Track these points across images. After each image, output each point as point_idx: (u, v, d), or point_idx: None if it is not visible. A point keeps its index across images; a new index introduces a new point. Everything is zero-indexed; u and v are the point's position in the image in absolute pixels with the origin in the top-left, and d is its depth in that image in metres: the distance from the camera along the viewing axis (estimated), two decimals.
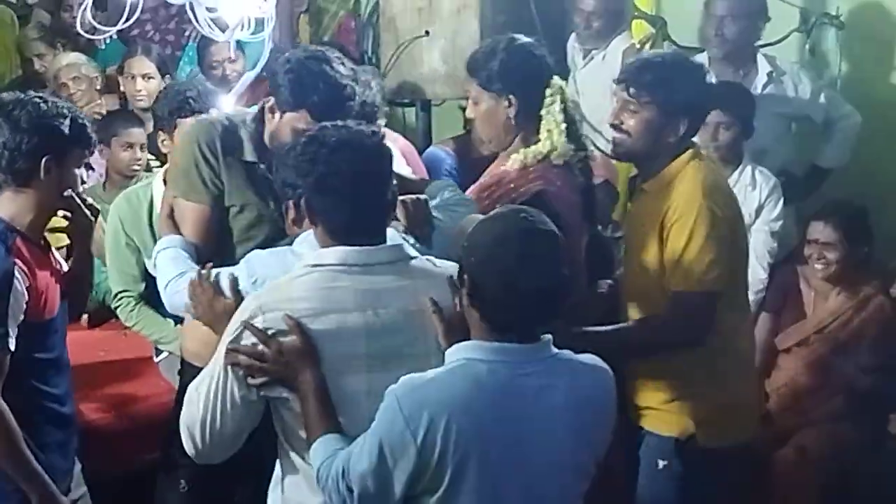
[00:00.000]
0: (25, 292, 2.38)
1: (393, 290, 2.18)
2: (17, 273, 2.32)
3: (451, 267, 2.29)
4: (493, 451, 2.16)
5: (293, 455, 2.20)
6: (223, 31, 3.27)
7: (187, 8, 3.08)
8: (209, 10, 3.10)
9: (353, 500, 2.10)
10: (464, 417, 2.09)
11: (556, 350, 2.23)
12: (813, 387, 3.83)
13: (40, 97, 2.53)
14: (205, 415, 2.10)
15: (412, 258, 2.29)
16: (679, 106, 2.84)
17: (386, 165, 2.39)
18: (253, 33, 3.37)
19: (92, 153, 2.70)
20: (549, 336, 2.22)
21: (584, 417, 2.26)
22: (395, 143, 3.68)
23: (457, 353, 2.13)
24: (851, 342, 3.82)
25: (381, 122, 3.82)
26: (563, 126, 2.92)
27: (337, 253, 2.17)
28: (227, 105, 3.53)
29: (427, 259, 2.33)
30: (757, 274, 3.83)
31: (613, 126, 2.89)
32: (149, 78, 4.55)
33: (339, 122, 2.41)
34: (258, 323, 2.10)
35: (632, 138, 2.86)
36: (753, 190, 3.94)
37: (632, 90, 2.78)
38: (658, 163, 2.91)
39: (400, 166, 3.43)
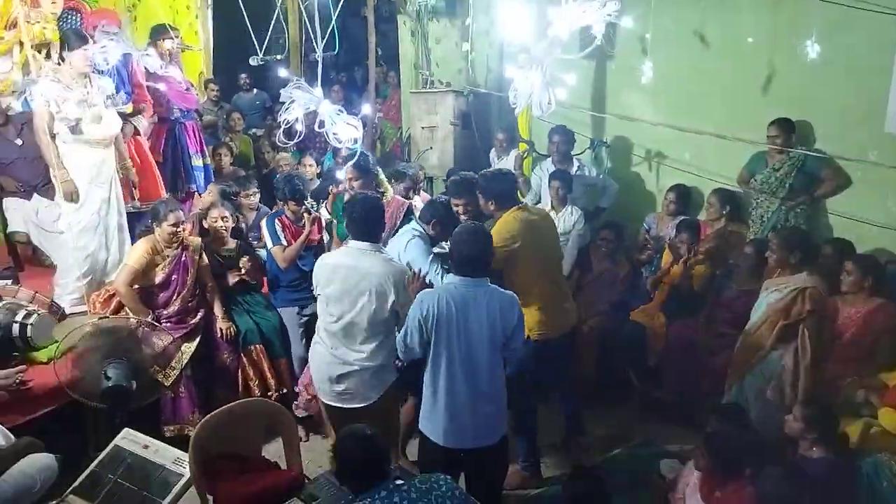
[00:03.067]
0: None
1: (363, 261, 3.51)
2: None
3: (394, 261, 3.60)
4: (452, 322, 3.21)
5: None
6: (340, 142, 3.94)
7: (325, 133, 3.84)
8: (334, 134, 3.83)
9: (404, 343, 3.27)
10: (439, 305, 3.20)
11: (488, 284, 3.29)
12: (595, 300, 5.42)
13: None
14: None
15: (379, 252, 3.58)
16: (487, 194, 4.06)
17: (376, 211, 3.66)
18: (353, 143, 4.20)
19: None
20: (487, 278, 3.29)
21: (495, 314, 3.25)
22: (425, 199, 5.47)
23: (447, 280, 3.41)
24: (614, 282, 5.47)
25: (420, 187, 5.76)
26: None
27: (355, 244, 3.62)
28: (341, 175, 5.04)
29: (383, 255, 3.58)
30: (572, 252, 5.45)
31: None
32: (311, 166, 6.60)
33: (363, 192, 4.01)
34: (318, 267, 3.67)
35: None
36: (572, 216, 5.51)
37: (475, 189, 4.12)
38: (494, 215, 4.15)
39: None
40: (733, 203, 5.42)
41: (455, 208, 4.24)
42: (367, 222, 3.70)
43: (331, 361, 3.74)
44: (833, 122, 4.97)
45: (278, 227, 4.98)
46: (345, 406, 3.78)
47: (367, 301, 3.61)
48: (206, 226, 5.00)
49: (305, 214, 4.99)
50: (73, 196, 4.79)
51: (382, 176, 5.00)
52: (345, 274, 3.65)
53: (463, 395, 3.29)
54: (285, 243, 4.95)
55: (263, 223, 5.06)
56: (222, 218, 4.91)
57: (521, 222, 4.02)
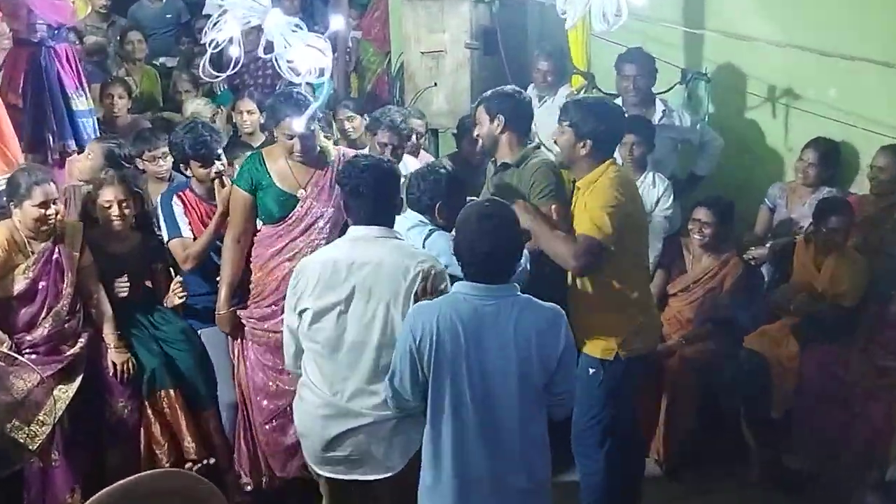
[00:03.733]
0: None
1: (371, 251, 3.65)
2: None
3: (419, 250, 3.78)
4: (460, 353, 3.26)
5: None
6: (298, 75, 4.22)
7: (273, 60, 3.94)
8: (288, 61, 3.95)
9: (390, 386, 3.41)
10: (440, 326, 3.25)
11: (517, 293, 3.34)
12: (691, 318, 5.66)
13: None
14: None
15: (397, 239, 3.74)
16: (584, 129, 4.13)
17: (392, 183, 3.83)
18: (318, 77, 4.32)
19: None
20: (515, 285, 3.36)
21: (528, 339, 3.26)
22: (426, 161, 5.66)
23: (453, 289, 3.39)
24: (716, 288, 5.64)
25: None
26: None
27: (360, 229, 3.75)
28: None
29: (403, 243, 3.75)
30: (655, 244, 5.49)
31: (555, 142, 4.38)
32: (251, 113, 6.69)
33: (366, 154, 4.09)
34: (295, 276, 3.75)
35: (560, 153, 4.34)
36: (653, 188, 5.70)
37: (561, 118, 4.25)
38: (577, 168, 4.25)
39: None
40: None
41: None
42: (381, 197, 3.80)
43: (326, 414, 3.80)
44: None
45: (177, 209, 5.01)
46: (351, 479, 3.85)
47: (385, 314, 3.67)
48: (93, 209, 5.03)
49: (217, 183, 4.97)
50: None
51: (323, 137, 4.94)
52: (351, 274, 3.72)
53: (479, 466, 3.35)
54: (189, 234, 4.99)
55: (157, 200, 5.12)
56: (120, 203, 4.92)
57: (628, 183, 4.27)
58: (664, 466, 5.48)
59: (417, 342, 3.33)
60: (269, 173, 4.70)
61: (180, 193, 5.05)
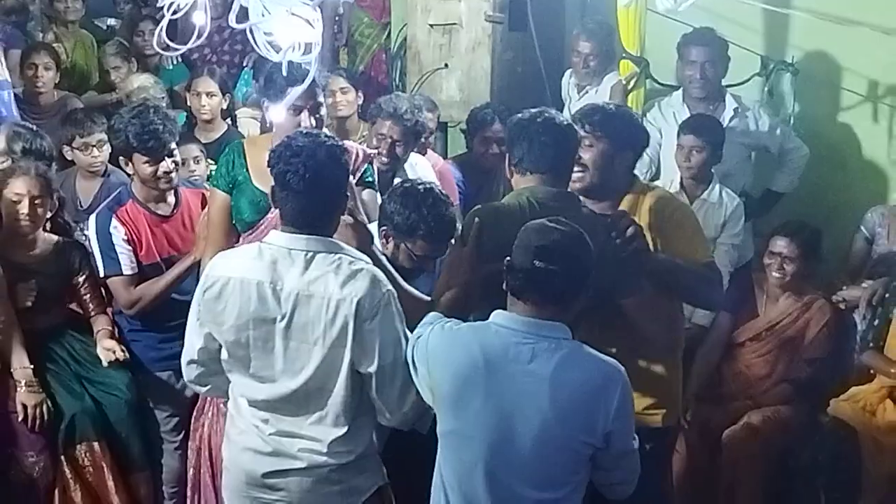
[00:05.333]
0: None
1: (294, 273, 3.56)
2: None
3: (358, 265, 3.64)
4: (477, 397, 3.33)
5: None
6: (277, 52, 4.32)
7: (248, 32, 4.11)
8: (266, 34, 4.10)
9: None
10: (456, 354, 3.41)
11: (567, 338, 3.36)
12: (762, 375, 5.59)
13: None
14: None
15: (331, 252, 3.63)
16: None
17: (336, 175, 3.67)
18: (303, 54, 4.44)
19: None
20: (566, 327, 3.36)
21: (569, 395, 3.28)
22: (436, 164, 5.60)
23: (491, 317, 3.42)
24: (796, 338, 5.55)
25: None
26: None
27: (276, 236, 3.62)
28: (278, 115, 4.75)
29: (336, 259, 3.63)
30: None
31: None
32: (212, 95, 6.53)
33: (309, 131, 3.83)
34: (208, 279, 3.66)
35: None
36: (719, 208, 5.63)
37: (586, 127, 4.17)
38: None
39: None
40: None
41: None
42: (317, 194, 3.65)
43: (254, 446, 3.77)
44: None
45: (116, 236, 4.92)
46: None
47: (320, 357, 3.63)
48: None
49: (172, 193, 4.97)
50: None
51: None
52: (278, 305, 3.63)
53: None
54: (131, 269, 4.95)
55: (91, 221, 5.01)
56: (32, 199, 4.91)
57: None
58: None
59: (427, 371, 3.47)
60: (246, 168, 4.64)
61: (120, 212, 4.97)
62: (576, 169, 4.15)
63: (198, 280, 4.56)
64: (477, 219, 4.03)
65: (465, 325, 3.48)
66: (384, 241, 4.32)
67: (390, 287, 3.70)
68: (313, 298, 3.59)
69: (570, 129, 4.15)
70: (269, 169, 3.70)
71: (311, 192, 3.65)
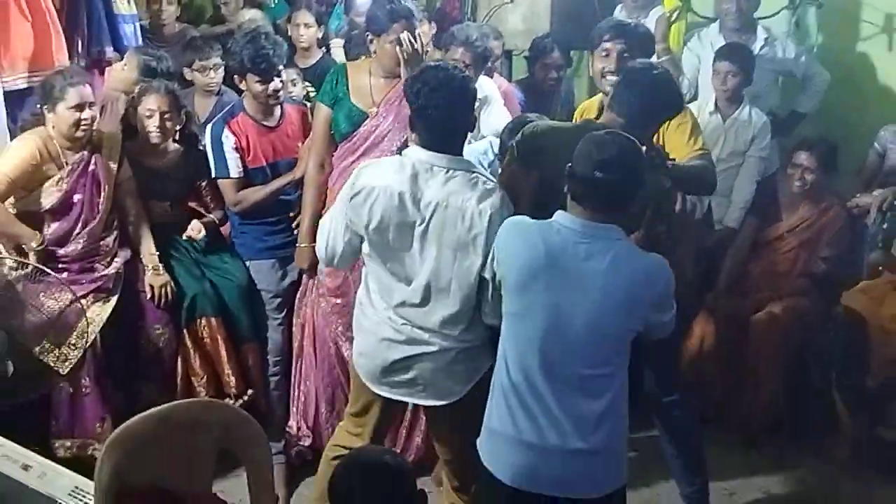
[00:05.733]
0: None
1: (435, 185, 3.65)
2: None
3: (493, 185, 3.71)
4: (540, 284, 3.39)
5: None
6: None
7: None
8: None
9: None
10: (527, 251, 3.43)
11: (620, 238, 3.39)
12: (784, 271, 5.70)
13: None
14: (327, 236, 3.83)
15: (470, 172, 3.71)
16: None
17: (467, 101, 3.78)
18: None
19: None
20: (619, 228, 3.38)
21: (621, 286, 3.34)
22: (501, 86, 5.78)
23: (554, 216, 3.45)
24: (814, 239, 5.68)
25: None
26: None
27: (417, 152, 3.73)
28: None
29: (473, 177, 3.70)
30: (748, 188, 5.75)
31: None
32: (309, 26, 6.76)
33: (437, 63, 3.90)
34: (354, 187, 3.72)
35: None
36: (749, 125, 5.70)
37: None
38: None
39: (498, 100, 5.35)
40: None
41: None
42: (452, 121, 3.79)
43: (389, 335, 3.91)
44: None
45: (227, 143, 5.03)
46: (411, 401, 4.06)
47: (452, 262, 3.76)
48: (134, 119, 5.11)
49: (278, 108, 5.07)
50: None
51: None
52: (417, 214, 3.77)
53: (542, 414, 3.43)
54: (237, 173, 5.07)
55: (207, 130, 5.14)
56: (163, 114, 5.00)
57: None
58: (744, 433, 5.57)
59: (498, 259, 3.55)
60: (347, 87, 4.77)
61: (231, 123, 5.05)
62: None
63: (296, 189, 4.96)
64: (521, 135, 4.15)
65: (532, 222, 3.50)
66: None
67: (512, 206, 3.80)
68: (450, 209, 3.70)
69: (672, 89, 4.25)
70: (407, 99, 3.84)
71: (447, 122, 3.77)
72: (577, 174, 3.39)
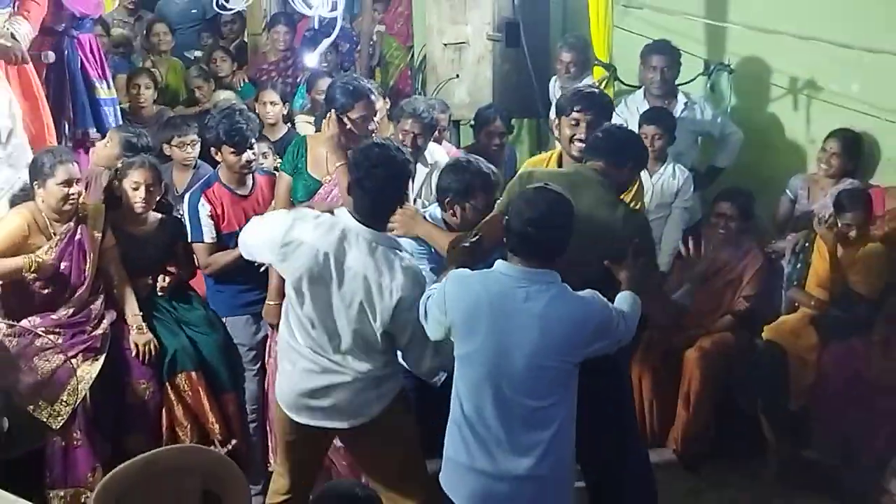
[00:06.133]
0: None
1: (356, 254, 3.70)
2: None
3: (408, 262, 3.76)
4: (487, 326, 3.44)
5: None
6: (311, 8, 4.86)
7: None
8: None
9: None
10: (471, 299, 3.49)
11: (554, 281, 3.45)
12: (711, 309, 5.75)
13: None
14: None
15: (391, 248, 3.75)
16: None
17: (402, 180, 3.86)
18: (331, 10, 5.04)
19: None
20: (554, 272, 3.45)
21: (557, 324, 3.41)
22: (450, 152, 5.78)
23: (495, 266, 3.55)
24: (736, 280, 5.73)
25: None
26: None
27: (347, 218, 3.76)
28: (312, 61, 5.41)
29: (391, 255, 3.71)
30: (675, 235, 5.65)
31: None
32: (275, 104, 6.95)
33: (382, 142, 3.92)
34: (287, 236, 3.73)
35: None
36: (673, 179, 5.81)
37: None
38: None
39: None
40: None
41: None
42: (385, 196, 3.86)
43: (307, 367, 3.93)
44: None
45: (203, 211, 5.10)
46: (326, 426, 3.98)
47: (362, 318, 3.79)
48: (116, 191, 5.12)
49: (250, 177, 5.09)
50: None
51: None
52: (338, 276, 3.80)
53: (493, 443, 3.46)
54: (211, 238, 5.11)
55: (186, 199, 5.22)
56: (148, 186, 5.05)
57: None
58: (681, 458, 5.55)
59: (447, 309, 3.53)
60: (305, 158, 4.92)
61: (208, 192, 5.12)
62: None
63: None
64: (518, 178, 4.24)
65: (474, 273, 3.59)
66: (450, 211, 4.42)
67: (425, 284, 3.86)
68: (366, 281, 3.74)
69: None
70: (348, 170, 3.91)
71: (380, 196, 3.83)
72: (512, 229, 3.51)
